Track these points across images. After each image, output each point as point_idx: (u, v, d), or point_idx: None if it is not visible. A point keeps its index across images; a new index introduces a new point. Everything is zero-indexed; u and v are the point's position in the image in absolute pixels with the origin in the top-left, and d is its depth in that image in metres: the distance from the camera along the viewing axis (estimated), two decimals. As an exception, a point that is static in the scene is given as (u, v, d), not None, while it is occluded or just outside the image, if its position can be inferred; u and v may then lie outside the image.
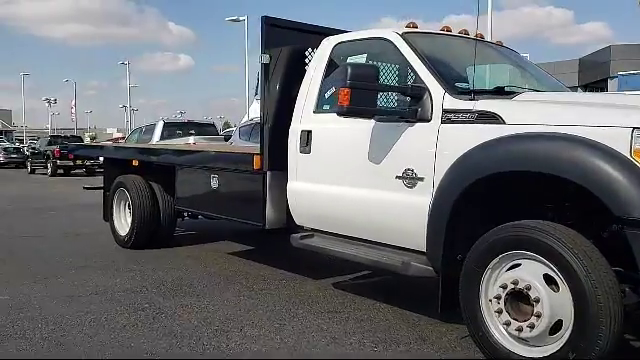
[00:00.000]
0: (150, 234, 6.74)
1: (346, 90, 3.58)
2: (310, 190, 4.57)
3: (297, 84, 4.82)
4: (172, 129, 14.99)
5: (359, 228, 4.23)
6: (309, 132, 4.53)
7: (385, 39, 4.23)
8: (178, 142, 13.06)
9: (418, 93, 3.76)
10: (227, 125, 46.47)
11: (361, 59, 4.36)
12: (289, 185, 4.74)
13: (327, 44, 4.69)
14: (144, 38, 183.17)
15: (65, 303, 4.60)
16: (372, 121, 3.96)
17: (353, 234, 4.32)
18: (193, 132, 15.00)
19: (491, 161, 3.28)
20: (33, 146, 30.81)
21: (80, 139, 30.94)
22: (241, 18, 31.38)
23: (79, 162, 25.16)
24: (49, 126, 69.50)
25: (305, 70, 4.95)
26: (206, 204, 5.66)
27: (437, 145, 3.61)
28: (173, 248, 6.88)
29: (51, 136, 30.34)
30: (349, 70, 3.59)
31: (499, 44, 4.98)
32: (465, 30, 4.64)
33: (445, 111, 3.64)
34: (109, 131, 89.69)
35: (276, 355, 3.62)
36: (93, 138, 62.72)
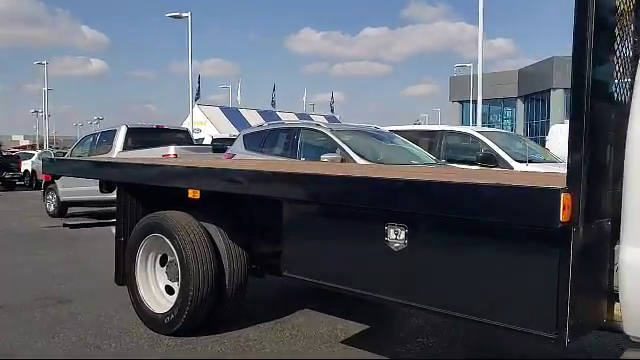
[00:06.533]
0: (210, 312, 4.05)
1: None
2: None
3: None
4: (138, 137, 11.88)
5: None
6: None
7: None
8: (148, 154, 10.21)
9: None
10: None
11: None
12: (628, 253, 2.29)
13: None
14: (54, 41, 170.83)
15: None
16: None
17: None
18: (156, 140, 12.05)
19: None
20: None
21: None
22: (184, 14, 28.22)
23: (-5, 174, 21.44)
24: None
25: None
26: (376, 280, 3.01)
27: None
28: (247, 330, 4.21)
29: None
30: None
31: None
32: None
33: None
34: (15, 138, 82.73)
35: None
36: (-2, 145, 56.44)
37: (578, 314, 2.37)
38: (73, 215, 12.22)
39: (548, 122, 41.31)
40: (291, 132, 8.57)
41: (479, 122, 19.55)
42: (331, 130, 8.01)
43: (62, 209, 12.32)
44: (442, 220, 2.68)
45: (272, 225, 4.17)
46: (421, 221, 2.78)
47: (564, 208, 2.23)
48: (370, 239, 3.00)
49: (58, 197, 12.26)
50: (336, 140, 7.74)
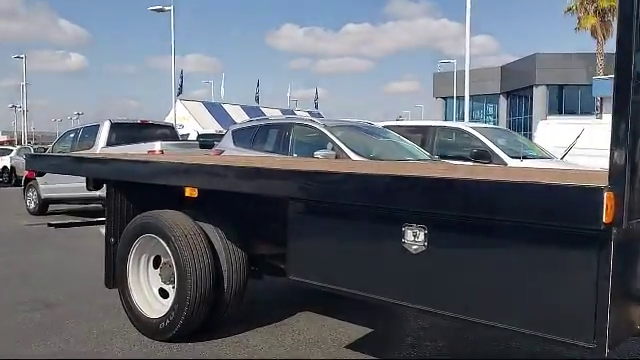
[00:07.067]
0: (207, 316, 3.85)
1: None
2: None
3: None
4: (122, 132, 11.52)
5: None
6: None
7: None
8: (132, 149, 9.92)
9: None
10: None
11: None
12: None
13: None
14: (32, 35, 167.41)
15: None
16: None
17: None
18: (141, 135, 11.73)
19: None
20: None
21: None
22: (166, 8, 27.80)
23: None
24: None
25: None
26: (393, 285, 2.80)
27: None
28: (246, 335, 4.00)
29: None
30: None
31: None
32: None
33: None
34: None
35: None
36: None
37: (617, 321, 2.21)
38: (55, 213, 11.91)
39: (531, 118, 41.51)
40: (283, 128, 8.35)
41: (467, 118, 19.47)
42: (324, 126, 7.81)
43: (43, 207, 12.00)
44: (467, 220, 2.49)
45: (274, 225, 3.98)
46: (443, 222, 2.59)
47: (607, 208, 2.06)
48: (385, 241, 2.81)
49: (39, 194, 11.93)
50: (330, 136, 7.55)
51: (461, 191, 2.46)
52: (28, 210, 12.18)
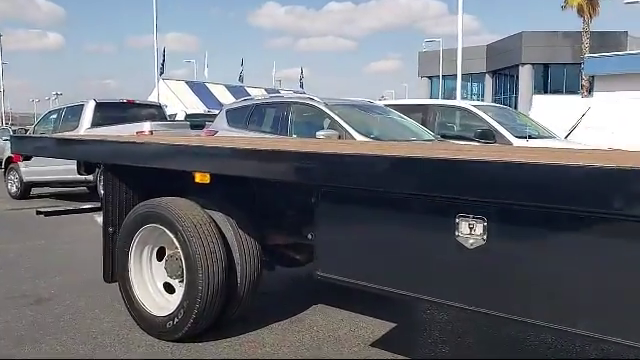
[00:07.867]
0: (220, 312, 3.51)
1: None
2: None
3: None
4: (107, 112, 10.99)
5: None
6: None
7: None
8: (120, 131, 9.45)
9: None
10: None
11: None
12: None
13: None
14: (7, 13, 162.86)
15: None
16: None
17: None
18: (127, 116, 11.22)
19: None
20: None
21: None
22: (149, -16, 26.93)
23: None
24: None
25: None
26: (444, 283, 2.45)
27: None
28: (260, 332, 3.67)
29: None
30: None
31: None
32: None
33: None
34: (-33, 114, 79.19)
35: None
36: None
37: None
38: (39, 197, 11.43)
39: (516, 97, 41.36)
40: (281, 107, 7.94)
41: (459, 96, 19.17)
42: (325, 105, 7.42)
43: (26, 190, 11.51)
44: (538, 211, 2.15)
45: (291, 213, 3.66)
46: (506, 213, 2.25)
47: None
48: (436, 234, 2.47)
49: (21, 177, 11.42)
50: (332, 115, 7.18)
51: (536, 178, 2.11)
52: (10, 194, 11.68)
